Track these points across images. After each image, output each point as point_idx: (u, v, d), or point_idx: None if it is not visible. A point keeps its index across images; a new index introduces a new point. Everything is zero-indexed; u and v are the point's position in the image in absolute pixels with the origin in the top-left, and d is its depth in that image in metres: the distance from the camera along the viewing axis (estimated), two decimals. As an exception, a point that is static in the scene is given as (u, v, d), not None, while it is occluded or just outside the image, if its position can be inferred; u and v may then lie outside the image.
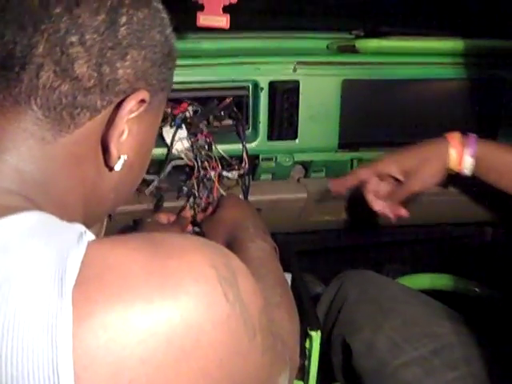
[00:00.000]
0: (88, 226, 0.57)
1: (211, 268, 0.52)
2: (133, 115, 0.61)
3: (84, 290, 0.46)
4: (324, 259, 1.70)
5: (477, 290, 1.63)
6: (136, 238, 0.54)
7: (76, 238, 0.50)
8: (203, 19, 1.03)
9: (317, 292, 1.53)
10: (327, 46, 1.44)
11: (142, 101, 0.62)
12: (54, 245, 0.49)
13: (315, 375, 1.15)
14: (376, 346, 1.17)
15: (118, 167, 0.63)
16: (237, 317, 0.53)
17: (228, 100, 1.32)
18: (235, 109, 1.32)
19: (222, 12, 1.02)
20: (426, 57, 1.39)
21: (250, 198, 1.33)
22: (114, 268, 0.49)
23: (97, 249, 0.50)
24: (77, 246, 0.49)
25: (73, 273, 0.46)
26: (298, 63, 1.32)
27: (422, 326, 1.20)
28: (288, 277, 1.15)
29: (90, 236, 0.51)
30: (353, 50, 1.39)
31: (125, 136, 0.62)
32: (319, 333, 1.12)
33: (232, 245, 1.01)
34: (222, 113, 1.32)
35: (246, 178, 1.33)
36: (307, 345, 1.15)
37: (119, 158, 0.62)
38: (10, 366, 0.43)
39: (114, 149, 0.61)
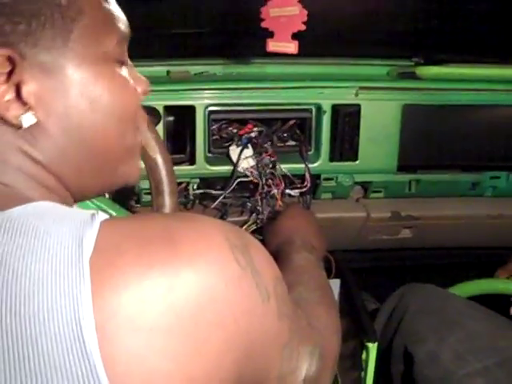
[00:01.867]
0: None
1: (224, 239, 0.56)
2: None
3: (102, 256, 0.49)
4: (380, 278, 1.73)
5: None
6: (151, 215, 0.59)
7: (89, 217, 0.52)
8: (273, 45, 1.10)
9: (371, 309, 1.56)
10: (387, 73, 1.49)
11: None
12: (69, 222, 0.52)
13: (373, 385, 1.19)
14: (440, 356, 1.20)
15: (25, 123, 0.59)
16: (248, 279, 0.56)
17: (291, 122, 1.39)
18: (298, 131, 1.39)
19: (290, 39, 1.09)
20: (485, 83, 1.42)
21: (311, 215, 1.38)
22: (131, 237, 0.52)
23: (111, 224, 0.53)
24: (91, 223, 0.52)
25: (90, 241, 0.50)
26: (360, 88, 1.37)
27: (486, 338, 1.22)
28: (336, 282, 1.18)
29: (102, 216, 0.53)
30: (413, 77, 1.44)
31: (26, 89, 0.58)
32: (376, 345, 1.16)
33: (278, 255, 1.06)
34: (286, 134, 1.39)
35: (308, 196, 1.38)
36: (363, 356, 1.19)
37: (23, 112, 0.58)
38: (34, 325, 0.46)
39: None
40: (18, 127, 0.58)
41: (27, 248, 0.49)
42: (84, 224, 0.51)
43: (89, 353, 0.46)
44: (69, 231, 0.51)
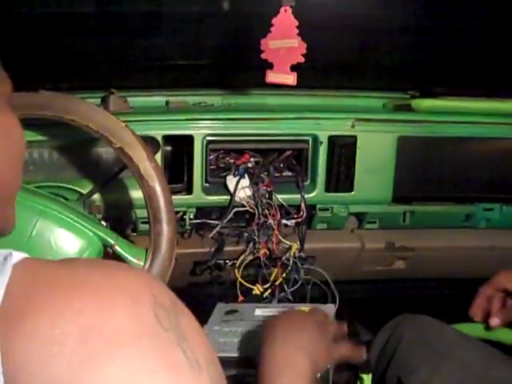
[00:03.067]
0: None
1: (149, 293, 0.50)
2: None
3: (11, 303, 0.46)
4: (373, 309, 1.73)
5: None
6: (73, 259, 0.55)
7: (1, 260, 0.49)
8: (272, 76, 1.12)
9: (365, 340, 1.55)
10: (383, 105, 1.52)
11: None
12: None
13: (367, 418, 1.18)
14: (433, 385, 1.19)
15: None
16: (171, 342, 0.49)
17: (288, 153, 1.40)
18: (294, 161, 1.41)
19: (289, 70, 1.11)
20: (479, 116, 1.44)
21: (306, 245, 1.39)
22: (43, 283, 0.48)
23: (25, 267, 0.49)
24: (1, 267, 0.48)
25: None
26: (357, 120, 1.39)
27: (480, 369, 1.22)
28: (331, 307, 1.18)
29: (16, 257, 0.50)
30: (408, 109, 1.46)
31: None
32: (370, 376, 1.15)
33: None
34: (282, 164, 1.41)
35: (303, 226, 1.39)
36: (358, 387, 1.19)
37: None
38: None
39: None
40: None
41: None
42: None
43: None
44: None
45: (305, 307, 1.20)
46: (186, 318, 0.53)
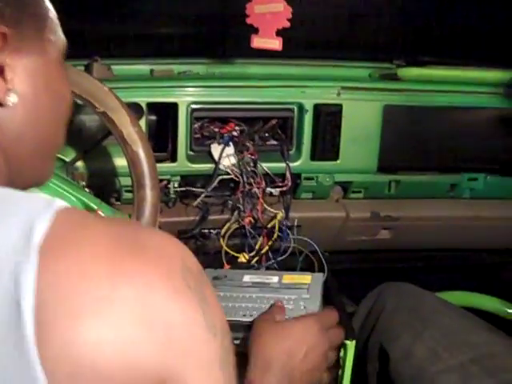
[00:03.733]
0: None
1: (179, 257, 0.53)
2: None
3: (52, 243, 0.47)
4: (357, 280, 1.74)
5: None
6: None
7: (43, 205, 0.50)
8: (257, 41, 1.11)
9: (349, 311, 1.56)
10: (369, 75, 1.51)
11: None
12: (22, 208, 0.50)
13: (349, 383, 1.19)
14: (414, 353, 1.20)
15: (9, 101, 0.60)
16: (194, 301, 0.52)
17: (273, 121, 1.39)
18: (279, 130, 1.40)
19: (275, 35, 1.10)
20: (465, 86, 1.44)
21: (291, 214, 1.38)
22: (86, 229, 0.50)
23: (68, 214, 0.50)
24: (44, 214, 0.49)
25: (41, 229, 0.47)
26: (342, 88, 1.38)
27: (461, 335, 1.23)
28: (320, 276, 1.18)
29: (59, 203, 0.51)
30: (394, 78, 1.46)
31: (8, 73, 0.60)
32: (354, 342, 1.16)
33: None
34: (267, 133, 1.40)
35: (288, 195, 1.39)
36: (341, 354, 1.19)
37: (7, 91, 0.60)
38: None
39: None
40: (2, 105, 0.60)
41: None
42: (38, 211, 0.49)
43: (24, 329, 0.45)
44: (19, 219, 0.48)
45: (294, 275, 1.20)
46: (209, 288, 0.55)
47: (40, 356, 0.45)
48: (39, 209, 0.49)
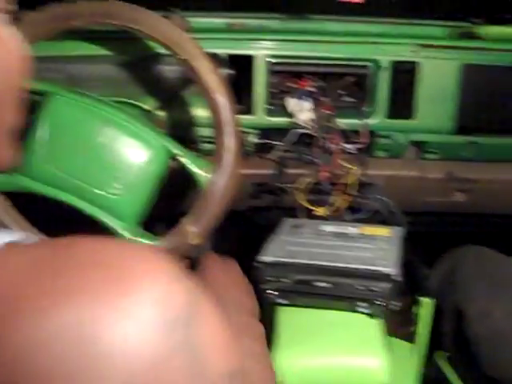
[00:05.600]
0: None
1: (153, 304, 0.42)
2: None
3: None
4: (430, 242, 1.71)
5: None
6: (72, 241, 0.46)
7: None
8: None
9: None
10: (448, 33, 1.47)
11: None
12: None
13: (425, 340, 1.18)
14: (492, 314, 1.19)
15: None
16: (180, 361, 0.42)
17: (349, 78, 1.38)
18: (355, 87, 1.38)
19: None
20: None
21: (366, 172, 1.37)
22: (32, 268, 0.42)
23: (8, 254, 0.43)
24: None
25: None
26: (420, 45, 1.35)
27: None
28: (399, 230, 1.17)
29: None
30: (474, 37, 1.42)
31: None
32: (430, 300, 1.15)
33: None
34: (343, 90, 1.39)
35: (363, 153, 1.37)
36: (418, 311, 1.18)
37: None
38: None
39: None
40: None
41: None
42: None
43: None
44: None
45: (374, 227, 1.20)
46: (203, 321, 0.45)
47: None
48: None
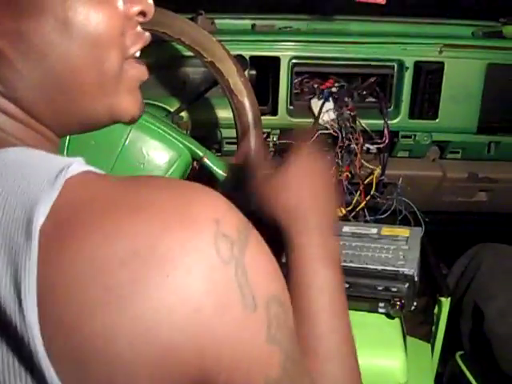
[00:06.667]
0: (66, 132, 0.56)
1: (212, 221, 0.46)
2: None
3: (56, 223, 0.43)
4: (451, 242, 1.72)
5: None
6: (142, 177, 0.50)
7: (53, 177, 0.45)
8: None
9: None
10: (473, 33, 1.47)
11: None
12: (30, 183, 0.45)
13: (442, 339, 1.19)
14: (510, 313, 1.19)
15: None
16: (227, 275, 0.45)
17: (372, 79, 1.39)
18: (378, 88, 1.39)
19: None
20: None
21: (387, 172, 1.39)
22: (96, 201, 0.45)
23: (79, 183, 0.46)
24: (53, 182, 0.44)
25: (41, 215, 0.43)
26: (444, 45, 1.36)
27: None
28: (418, 230, 1.18)
29: (72, 171, 0.46)
30: (499, 36, 1.42)
31: None
32: (448, 299, 1.16)
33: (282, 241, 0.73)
34: (366, 91, 1.40)
35: (385, 153, 1.38)
36: (436, 310, 1.19)
37: None
38: None
39: None
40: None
41: None
42: (41, 188, 0.44)
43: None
44: (23, 197, 0.44)
45: (393, 228, 1.21)
46: (254, 249, 0.48)
47: (45, 345, 0.41)
48: (44, 184, 0.44)
